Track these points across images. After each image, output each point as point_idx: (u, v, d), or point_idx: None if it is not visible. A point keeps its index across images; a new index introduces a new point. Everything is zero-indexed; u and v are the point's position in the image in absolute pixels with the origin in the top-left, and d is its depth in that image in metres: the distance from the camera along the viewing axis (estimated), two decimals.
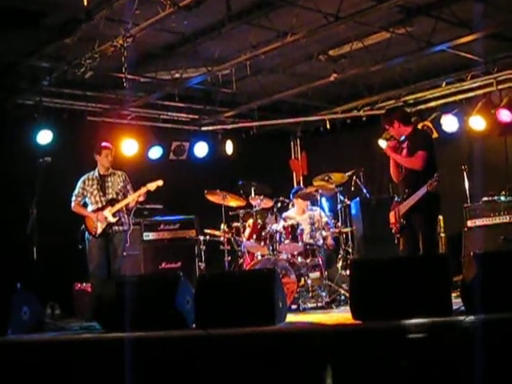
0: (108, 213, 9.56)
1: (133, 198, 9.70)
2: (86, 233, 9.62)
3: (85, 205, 9.81)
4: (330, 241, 10.70)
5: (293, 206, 11.37)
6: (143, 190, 9.72)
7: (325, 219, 10.73)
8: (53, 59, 10.95)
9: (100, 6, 9.30)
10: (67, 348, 6.49)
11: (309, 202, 11.18)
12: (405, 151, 8.53)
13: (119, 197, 9.73)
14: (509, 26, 10.43)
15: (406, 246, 8.44)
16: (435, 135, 12.98)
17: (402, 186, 8.52)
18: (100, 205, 9.66)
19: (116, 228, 9.61)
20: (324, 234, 10.35)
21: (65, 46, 10.19)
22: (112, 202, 9.64)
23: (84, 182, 9.78)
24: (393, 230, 8.62)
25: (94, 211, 9.64)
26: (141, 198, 9.77)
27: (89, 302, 9.92)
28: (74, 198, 9.78)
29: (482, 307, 5.46)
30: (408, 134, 8.59)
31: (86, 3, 7.98)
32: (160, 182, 9.80)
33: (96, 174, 9.82)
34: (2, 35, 9.85)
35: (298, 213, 11.18)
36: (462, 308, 6.03)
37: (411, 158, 8.35)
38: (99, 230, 9.54)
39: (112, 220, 9.55)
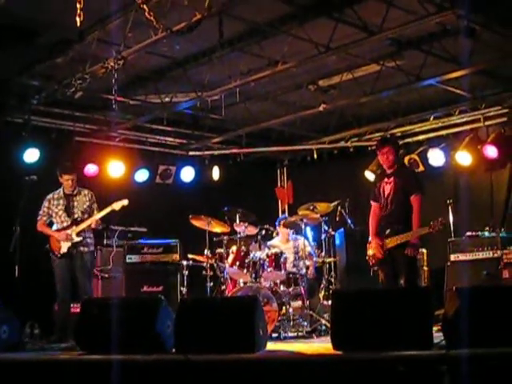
0: (72, 232, 9.44)
1: (95, 218, 9.60)
2: (51, 253, 9.51)
3: (51, 224, 9.71)
4: (311, 270, 10.70)
5: (277, 234, 11.36)
6: (108, 209, 9.64)
7: (308, 248, 10.72)
8: (43, 78, 10.95)
9: (92, 28, 9.34)
10: (45, 368, 6.43)
11: (290, 231, 11.17)
12: (389, 187, 8.48)
13: (85, 216, 9.60)
14: (497, 63, 10.53)
15: (386, 280, 8.40)
16: (421, 169, 13.05)
17: (389, 222, 8.43)
18: (65, 224, 9.54)
19: (81, 249, 9.49)
20: (307, 263, 10.35)
21: (56, 65, 10.19)
22: (77, 222, 9.52)
23: (49, 201, 9.68)
24: (370, 263, 8.61)
25: (59, 230, 9.53)
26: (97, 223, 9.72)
27: (57, 322, 9.72)
28: (39, 218, 9.65)
29: (463, 342, 5.45)
30: (395, 168, 8.58)
31: (78, 24, 7.97)
32: (125, 202, 9.75)
33: (61, 192, 9.70)
34: None
35: (282, 241, 11.17)
36: (443, 342, 6.03)
37: (415, 212, 8.22)
38: (63, 250, 9.42)
39: (76, 239, 9.43)
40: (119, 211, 9.90)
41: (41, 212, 9.67)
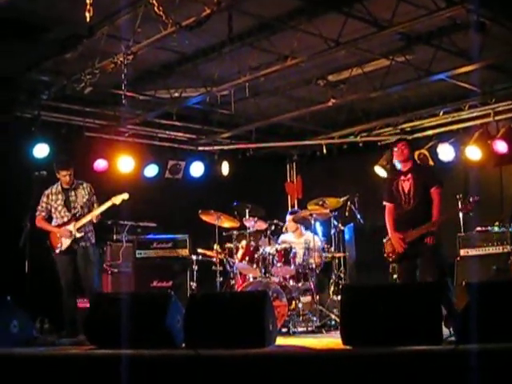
0: (72, 228, 9.25)
1: (96, 214, 9.38)
2: (51, 249, 9.36)
3: (49, 219, 9.54)
4: (320, 265, 10.61)
5: (286, 230, 11.29)
6: (108, 203, 9.44)
7: (318, 243, 10.70)
8: (53, 73, 10.97)
9: (102, 23, 9.35)
10: (55, 363, 6.45)
11: (301, 225, 11.14)
12: (408, 183, 8.46)
13: (85, 210, 9.38)
14: (507, 57, 10.49)
15: (404, 274, 8.41)
16: (431, 163, 13.03)
17: (414, 216, 8.37)
18: (66, 219, 9.35)
19: (83, 243, 9.30)
20: (317, 258, 10.34)
21: (65, 60, 10.21)
22: (77, 217, 9.33)
23: (47, 197, 9.47)
24: (390, 259, 8.58)
25: (59, 226, 9.36)
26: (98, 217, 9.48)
27: (65, 318, 9.64)
28: (37, 213, 9.44)
29: (473, 336, 5.45)
30: (411, 165, 8.57)
31: (88, 19, 7.97)
32: (125, 196, 9.56)
33: (59, 187, 9.49)
34: (2, 47, 9.87)
35: (295, 236, 11.11)
36: (453, 337, 6.02)
37: (436, 203, 8.35)
38: (64, 247, 9.28)
39: (77, 235, 9.25)
40: (124, 205, 9.74)
41: (39, 207, 9.46)
